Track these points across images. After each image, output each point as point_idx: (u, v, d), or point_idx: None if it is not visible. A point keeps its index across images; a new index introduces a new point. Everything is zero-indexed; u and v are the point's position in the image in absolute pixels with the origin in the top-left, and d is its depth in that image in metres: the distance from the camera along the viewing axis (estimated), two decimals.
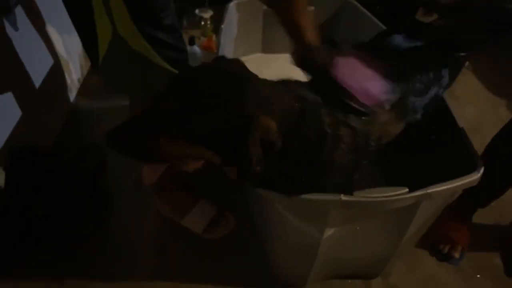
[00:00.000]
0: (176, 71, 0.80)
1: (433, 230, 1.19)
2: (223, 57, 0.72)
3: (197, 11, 1.95)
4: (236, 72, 0.66)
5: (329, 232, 0.82)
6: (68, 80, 1.63)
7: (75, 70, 1.68)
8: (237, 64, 0.70)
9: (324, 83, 0.77)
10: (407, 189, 0.76)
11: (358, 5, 1.47)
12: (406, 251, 1.07)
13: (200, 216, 1.10)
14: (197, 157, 0.66)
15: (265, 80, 0.70)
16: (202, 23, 1.91)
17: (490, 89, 1.90)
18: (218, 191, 1.20)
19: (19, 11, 1.25)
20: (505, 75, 2.01)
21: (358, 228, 0.85)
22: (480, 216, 1.30)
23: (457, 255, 1.15)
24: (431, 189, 0.75)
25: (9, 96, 1.18)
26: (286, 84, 0.76)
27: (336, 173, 0.76)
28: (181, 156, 0.65)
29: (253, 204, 0.94)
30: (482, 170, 0.79)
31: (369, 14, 1.37)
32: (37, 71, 1.37)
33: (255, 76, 0.70)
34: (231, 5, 1.45)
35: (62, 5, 1.53)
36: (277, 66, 1.54)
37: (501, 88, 1.89)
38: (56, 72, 1.51)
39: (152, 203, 1.16)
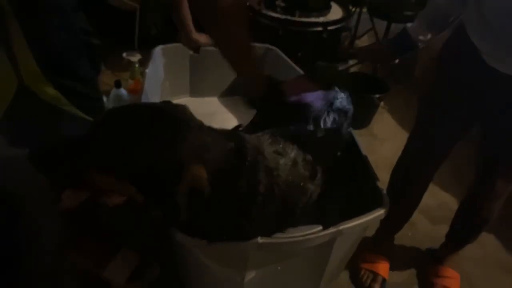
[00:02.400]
0: (90, 119, 0.78)
1: (355, 262, 1.25)
2: (168, 101, 0.71)
3: (124, 54, 1.95)
4: (176, 116, 0.65)
5: (250, 275, 0.83)
6: None
7: None
8: (182, 109, 0.69)
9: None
10: (321, 227, 0.80)
11: (279, 51, 1.57)
12: (330, 286, 1.10)
13: (122, 266, 1.04)
14: (121, 192, 0.64)
15: (207, 128, 0.70)
16: (130, 66, 1.91)
17: (404, 127, 2.09)
18: (139, 238, 1.16)
19: None
20: (415, 112, 2.23)
21: (279, 268, 0.86)
22: (399, 247, 1.40)
23: (378, 286, 1.20)
24: (342, 226, 0.80)
25: None
26: (229, 133, 0.76)
27: (268, 223, 0.77)
28: (104, 188, 0.63)
29: (176, 250, 0.92)
30: (387, 207, 0.86)
31: (288, 60, 1.47)
32: None
33: (198, 123, 0.69)
34: (157, 50, 1.48)
35: None
36: (206, 109, 1.58)
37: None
38: None
39: (65, 257, 1.08)
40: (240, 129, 0.98)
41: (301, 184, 0.82)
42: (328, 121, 0.97)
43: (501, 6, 0.79)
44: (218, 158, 0.65)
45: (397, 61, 1.11)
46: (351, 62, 2.52)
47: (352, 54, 2.04)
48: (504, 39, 0.81)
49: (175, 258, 0.99)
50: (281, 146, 0.81)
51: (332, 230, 0.79)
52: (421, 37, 1.00)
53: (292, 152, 0.82)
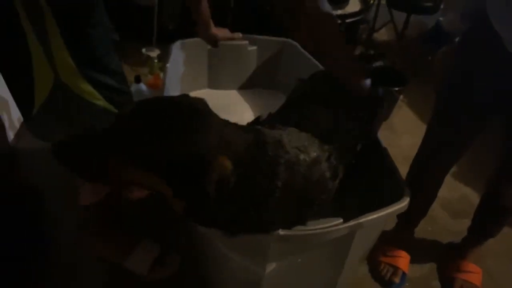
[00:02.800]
0: None
1: (374, 256, 1.25)
2: (187, 95, 0.72)
3: (144, 50, 1.97)
4: (200, 110, 0.66)
5: (271, 267, 0.84)
6: (6, 120, 1.56)
7: (14, 109, 1.62)
8: (202, 103, 0.70)
9: None
10: (341, 220, 0.80)
11: (298, 45, 1.56)
12: (350, 279, 1.10)
13: (144, 256, 1.07)
14: (146, 186, 0.64)
15: (225, 121, 0.71)
16: (149, 61, 1.93)
17: (423, 120, 2.06)
18: (160, 229, 1.18)
19: None
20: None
21: (299, 260, 0.87)
22: (420, 241, 1.38)
23: (397, 280, 1.20)
24: (363, 219, 0.79)
25: None
26: (247, 127, 0.78)
27: (287, 216, 0.77)
28: (129, 182, 0.63)
29: (196, 242, 0.94)
30: (408, 198, 0.85)
31: (307, 54, 1.46)
32: None
33: (217, 117, 0.70)
34: (176, 45, 1.49)
35: None
36: (225, 101, 1.59)
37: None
38: None
39: (87, 245, 1.10)
40: (261, 120, 0.99)
41: (321, 183, 0.81)
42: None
43: None
44: (239, 151, 0.67)
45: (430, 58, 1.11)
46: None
47: (379, 55, 2.00)
48: None
49: (195, 250, 1.01)
50: (305, 143, 0.81)
51: (352, 222, 0.79)
52: (457, 29, 0.99)
53: (315, 152, 0.81)
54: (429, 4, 2.19)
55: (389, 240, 1.26)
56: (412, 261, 1.28)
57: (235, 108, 1.56)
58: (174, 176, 0.61)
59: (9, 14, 0.64)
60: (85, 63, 0.73)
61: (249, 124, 0.97)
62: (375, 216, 0.80)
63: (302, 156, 0.78)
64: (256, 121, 0.95)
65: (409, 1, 2.24)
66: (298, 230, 0.77)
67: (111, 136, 0.61)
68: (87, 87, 0.74)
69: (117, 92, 0.79)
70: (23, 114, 0.76)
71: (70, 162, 0.62)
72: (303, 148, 0.79)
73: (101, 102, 0.76)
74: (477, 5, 0.92)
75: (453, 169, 1.72)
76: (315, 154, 0.80)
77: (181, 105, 0.65)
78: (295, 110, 0.96)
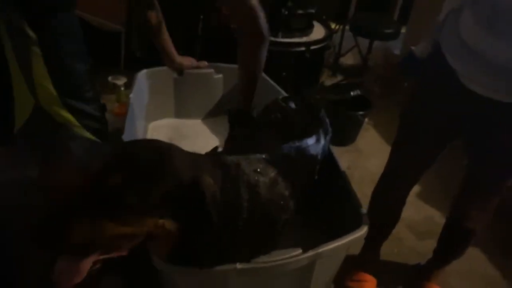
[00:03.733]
0: (97, 140, 0.82)
1: (341, 280, 1.25)
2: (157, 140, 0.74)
3: (110, 78, 1.96)
4: (164, 146, 0.69)
5: None
6: None
7: None
8: (159, 141, 0.72)
9: None
10: (300, 250, 0.80)
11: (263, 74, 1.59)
12: None
13: None
14: (147, 231, 0.63)
15: (190, 152, 0.75)
16: (116, 89, 1.92)
17: (389, 142, 2.10)
18: (125, 266, 1.14)
19: None
20: None
21: None
22: (386, 263, 1.40)
23: None
24: (321, 249, 0.80)
25: None
26: (206, 154, 0.84)
27: (251, 243, 0.79)
28: (128, 236, 0.61)
29: (159, 280, 0.92)
30: (366, 226, 0.86)
31: (271, 81, 1.49)
32: None
33: (185, 150, 0.74)
34: (141, 74, 1.49)
35: None
36: (190, 130, 1.60)
37: None
38: None
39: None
40: (218, 150, 1.02)
41: (281, 202, 0.84)
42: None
43: (474, 26, 0.82)
44: (210, 172, 0.70)
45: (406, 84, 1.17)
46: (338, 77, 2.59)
47: (357, 84, 2.08)
48: (479, 59, 0.84)
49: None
50: (261, 166, 0.84)
51: (311, 253, 0.79)
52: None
53: (272, 172, 0.84)
54: (390, 30, 2.30)
55: (355, 264, 1.27)
56: (380, 284, 1.29)
57: (201, 136, 1.57)
58: (179, 208, 0.64)
59: None
60: (66, 90, 0.74)
61: (206, 154, 0.99)
62: (333, 245, 0.81)
63: (261, 178, 0.81)
64: (214, 150, 0.98)
65: (371, 28, 2.34)
66: (256, 263, 0.77)
67: (101, 196, 0.59)
68: (66, 114, 0.75)
69: (94, 120, 0.81)
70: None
71: (57, 244, 0.57)
72: (261, 169, 0.83)
73: (78, 129, 0.78)
74: (436, 36, 0.97)
75: (418, 189, 1.77)
76: (272, 174, 0.84)
77: (157, 145, 0.69)
78: (247, 137, 1.02)
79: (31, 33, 0.67)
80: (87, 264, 0.61)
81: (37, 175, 0.79)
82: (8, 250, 1.23)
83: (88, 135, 0.80)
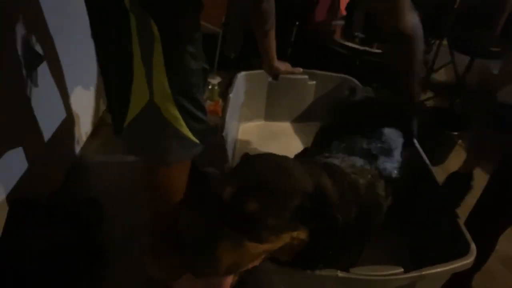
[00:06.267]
0: (197, 141, 0.84)
1: None
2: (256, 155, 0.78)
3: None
4: (282, 161, 0.72)
5: None
6: (76, 133, 1.68)
7: (84, 124, 1.75)
8: (274, 156, 0.76)
9: None
10: (402, 269, 0.78)
11: (356, 81, 1.58)
12: None
13: (192, 281, 1.08)
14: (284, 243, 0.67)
15: (297, 160, 0.78)
16: (210, 87, 2.01)
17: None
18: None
19: (43, 67, 1.33)
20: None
21: None
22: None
23: None
24: (426, 271, 0.77)
25: (18, 150, 1.22)
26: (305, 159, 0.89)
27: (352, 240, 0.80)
28: (267, 251, 0.66)
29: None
30: (473, 256, 0.82)
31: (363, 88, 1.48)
32: (49, 125, 1.42)
33: (291, 158, 0.77)
34: (240, 75, 1.55)
35: (81, 62, 1.63)
36: (277, 132, 1.64)
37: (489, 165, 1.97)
38: (66, 125, 1.57)
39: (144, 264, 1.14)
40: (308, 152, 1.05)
41: (378, 203, 0.86)
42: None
43: None
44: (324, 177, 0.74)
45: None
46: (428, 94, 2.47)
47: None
48: None
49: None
50: (358, 168, 0.87)
51: (415, 274, 0.77)
52: None
53: (369, 173, 0.87)
54: (496, 49, 2.13)
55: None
56: None
57: (285, 138, 1.60)
58: (305, 218, 0.67)
59: (124, 39, 0.71)
60: (178, 89, 0.77)
61: (297, 156, 1.02)
62: (438, 270, 0.78)
63: (361, 180, 0.83)
64: (304, 152, 1.00)
65: (474, 45, 2.17)
66: (357, 274, 0.76)
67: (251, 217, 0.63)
68: (175, 112, 0.78)
69: (198, 121, 0.83)
70: (114, 127, 0.83)
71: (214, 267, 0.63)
72: (358, 171, 0.85)
73: (183, 129, 0.80)
74: None
75: None
76: (369, 176, 0.86)
77: (275, 157, 0.74)
78: (335, 137, 1.03)
79: (156, 32, 0.72)
80: (230, 280, 0.71)
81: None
82: (96, 227, 1.34)
83: (190, 136, 0.82)
